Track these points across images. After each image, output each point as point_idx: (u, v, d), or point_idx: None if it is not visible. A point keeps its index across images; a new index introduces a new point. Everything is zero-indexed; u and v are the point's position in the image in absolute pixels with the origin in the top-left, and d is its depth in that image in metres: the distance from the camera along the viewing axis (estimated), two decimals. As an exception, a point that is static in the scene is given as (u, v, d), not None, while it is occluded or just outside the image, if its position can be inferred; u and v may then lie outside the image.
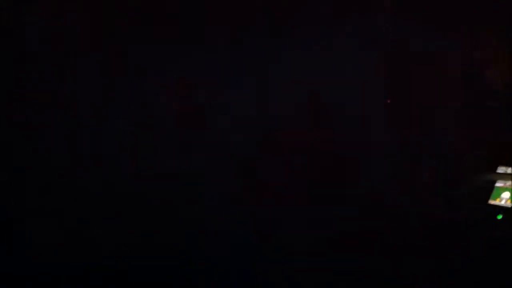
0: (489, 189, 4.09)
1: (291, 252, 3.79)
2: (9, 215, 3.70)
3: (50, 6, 3.88)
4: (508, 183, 4.08)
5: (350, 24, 3.89)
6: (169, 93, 3.97)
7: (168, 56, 4.01)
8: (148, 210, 3.79)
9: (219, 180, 3.88)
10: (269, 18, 4.03)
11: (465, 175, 4.08)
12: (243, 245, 3.80)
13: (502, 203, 4.06)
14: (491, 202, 4.08)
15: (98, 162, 3.78)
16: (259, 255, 3.79)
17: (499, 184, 4.10)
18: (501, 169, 4.11)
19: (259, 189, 3.85)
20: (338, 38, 3.89)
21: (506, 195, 4.09)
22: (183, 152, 3.93)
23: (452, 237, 3.95)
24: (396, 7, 4.04)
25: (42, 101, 3.80)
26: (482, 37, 4.19)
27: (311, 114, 3.93)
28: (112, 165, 3.78)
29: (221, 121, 3.93)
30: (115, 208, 3.69)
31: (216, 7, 4.17)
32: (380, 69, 3.95)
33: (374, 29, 3.92)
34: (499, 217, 4.06)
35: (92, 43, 3.90)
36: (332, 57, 3.94)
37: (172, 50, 3.99)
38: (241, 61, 3.86)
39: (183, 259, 3.72)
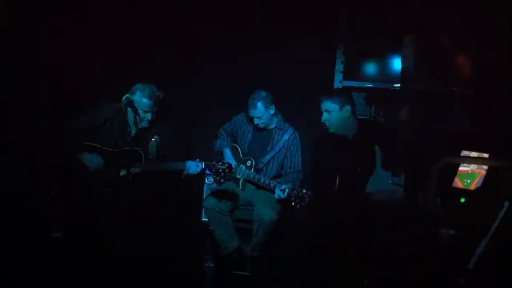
0: (452, 173, 4.12)
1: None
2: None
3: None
4: (471, 167, 4.08)
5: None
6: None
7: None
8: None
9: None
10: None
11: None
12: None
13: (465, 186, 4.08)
14: (454, 185, 4.12)
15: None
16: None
17: (462, 168, 4.12)
18: (464, 153, 4.13)
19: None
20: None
21: (469, 179, 4.10)
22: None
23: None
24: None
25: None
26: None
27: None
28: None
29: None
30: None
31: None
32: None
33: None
34: (462, 200, 4.08)
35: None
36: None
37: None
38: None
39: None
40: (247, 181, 4.31)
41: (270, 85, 4.44)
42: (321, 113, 3.99)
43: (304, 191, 3.96)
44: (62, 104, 4.58)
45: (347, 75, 4.84)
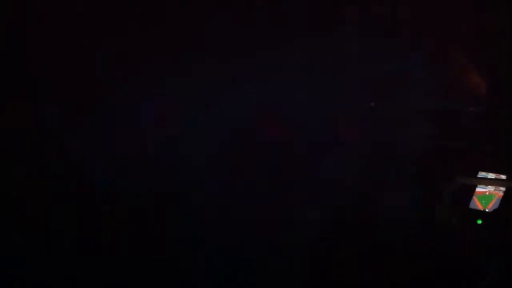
0: (469, 194, 4.07)
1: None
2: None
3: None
4: (489, 188, 4.04)
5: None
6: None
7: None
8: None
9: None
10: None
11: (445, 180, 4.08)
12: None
13: (482, 208, 4.03)
14: (473, 206, 4.06)
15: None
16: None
17: (479, 189, 4.07)
18: (481, 174, 4.09)
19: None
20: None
21: (486, 200, 4.05)
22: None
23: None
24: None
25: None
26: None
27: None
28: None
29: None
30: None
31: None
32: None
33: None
34: (479, 222, 4.01)
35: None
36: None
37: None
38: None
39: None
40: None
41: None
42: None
43: None
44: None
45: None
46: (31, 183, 4.00)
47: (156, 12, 4.39)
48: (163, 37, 4.32)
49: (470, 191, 4.09)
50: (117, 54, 4.29)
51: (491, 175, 4.08)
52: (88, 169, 3.94)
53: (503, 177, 4.05)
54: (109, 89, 4.18)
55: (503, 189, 4.00)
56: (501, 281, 3.52)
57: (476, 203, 4.07)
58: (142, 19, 4.39)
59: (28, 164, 4.05)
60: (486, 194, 4.05)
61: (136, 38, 4.35)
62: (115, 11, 4.42)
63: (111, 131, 4.05)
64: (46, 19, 4.26)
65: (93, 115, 4.12)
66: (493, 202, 4.02)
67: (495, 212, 3.95)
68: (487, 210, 4.01)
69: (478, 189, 4.08)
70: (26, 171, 4.06)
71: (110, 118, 4.09)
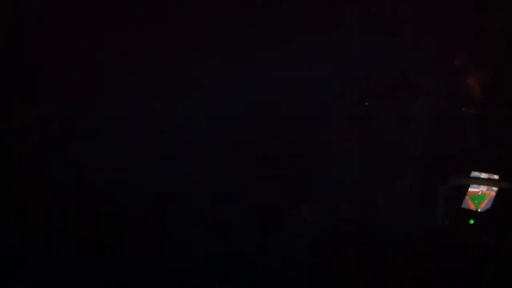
0: (461, 194, 4.13)
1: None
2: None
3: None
4: (481, 188, 4.10)
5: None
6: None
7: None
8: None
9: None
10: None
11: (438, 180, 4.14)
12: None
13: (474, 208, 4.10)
14: (466, 206, 4.13)
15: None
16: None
17: (472, 189, 4.14)
18: (474, 174, 4.15)
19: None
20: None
21: (478, 200, 4.12)
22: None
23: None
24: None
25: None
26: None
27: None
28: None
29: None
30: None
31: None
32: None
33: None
34: (471, 222, 4.09)
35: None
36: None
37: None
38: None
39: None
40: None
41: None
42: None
43: None
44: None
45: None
46: (31, 183, 4.04)
47: (156, 12, 4.42)
48: (163, 37, 4.37)
49: (462, 191, 4.17)
50: (117, 54, 4.35)
51: (484, 175, 4.15)
52: (88, 169, 3.96)
53: (496, 177, 4.12)
54: (109, 89, 4.22)
55: (495, 189, 4.08)
56: (498, 281, 3.59)
57: (469, 203, 4.16)
58: (142, 19, 4.42)
59: (28, 164, 4.09)
60: (479, 194, 4.13)
61: (136, 38, 4.39)
62: (115, 11, 4.42)
63: (111, 131, 4.06)
64: (46, 19, 4.25)
65: (93, 115, 4.10)
66: (485, 202, 4.11)
67: (487, 212, 4.03)
68: (479, 210, 4.10)
69: (470, 189, 4.16)
70: (26, 171, 4.10)
71: (110, 118, 4.09)
